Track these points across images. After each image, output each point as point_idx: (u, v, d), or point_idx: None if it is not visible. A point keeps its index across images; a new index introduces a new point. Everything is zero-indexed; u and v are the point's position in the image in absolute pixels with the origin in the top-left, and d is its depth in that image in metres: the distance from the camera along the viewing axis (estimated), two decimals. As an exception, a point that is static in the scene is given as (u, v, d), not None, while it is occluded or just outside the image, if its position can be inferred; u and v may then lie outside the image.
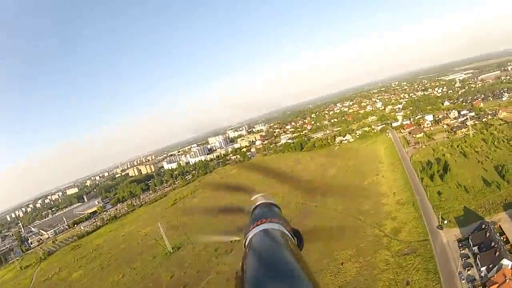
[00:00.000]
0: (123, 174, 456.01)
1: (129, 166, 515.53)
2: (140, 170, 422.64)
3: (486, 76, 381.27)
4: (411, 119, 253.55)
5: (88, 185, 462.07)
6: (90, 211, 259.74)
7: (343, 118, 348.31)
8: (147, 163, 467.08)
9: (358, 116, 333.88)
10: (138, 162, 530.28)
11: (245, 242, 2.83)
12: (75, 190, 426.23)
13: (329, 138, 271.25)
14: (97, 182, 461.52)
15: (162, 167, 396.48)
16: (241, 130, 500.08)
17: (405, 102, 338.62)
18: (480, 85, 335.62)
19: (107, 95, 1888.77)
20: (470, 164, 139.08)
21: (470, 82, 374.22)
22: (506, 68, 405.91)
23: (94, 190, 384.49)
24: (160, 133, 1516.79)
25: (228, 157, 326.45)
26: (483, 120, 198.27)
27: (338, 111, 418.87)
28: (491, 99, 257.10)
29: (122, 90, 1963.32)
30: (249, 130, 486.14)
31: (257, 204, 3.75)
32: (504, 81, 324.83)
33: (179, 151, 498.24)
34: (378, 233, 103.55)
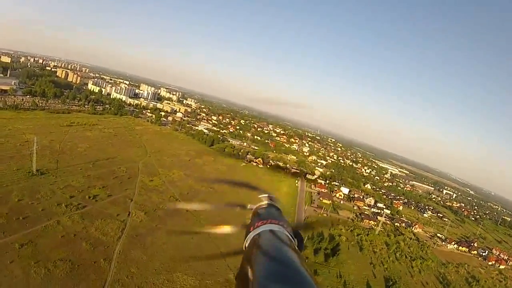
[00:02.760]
0: (52, 69, 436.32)
1: (63, 66, 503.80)
2: (68, 75, 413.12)
3: (418, 185, 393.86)
4: (327, 181, 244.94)
5: (21, 61, 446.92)
6: (2, 87, 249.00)
7: (266, 141, 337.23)
8: (78, 72, 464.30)
9: (280, 148, 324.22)
10: (73, 67, 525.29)
11: (246, 243, 2.92)
12: (8, 59, 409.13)
13: (242, 150, 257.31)
14: (28, 64, 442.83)
15: (87, 84, 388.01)
16: (173, 94, 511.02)
17: (330, 162, 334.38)
18: (408, 189, 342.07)
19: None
20: (362, 261, 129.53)
21: (400, 181, 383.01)
22: (440, 189, 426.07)
23: (20, 69, 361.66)
24: (114, 54, 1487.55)
25: (144, 112, 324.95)
26: (395, 224, 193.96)
27: (266, 131, 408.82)
28: (413, 208, 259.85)
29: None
30: (180, 99, 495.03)
31: (257, 205, 3.82)
32: (434, 200, 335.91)
33: (111, 79, 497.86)
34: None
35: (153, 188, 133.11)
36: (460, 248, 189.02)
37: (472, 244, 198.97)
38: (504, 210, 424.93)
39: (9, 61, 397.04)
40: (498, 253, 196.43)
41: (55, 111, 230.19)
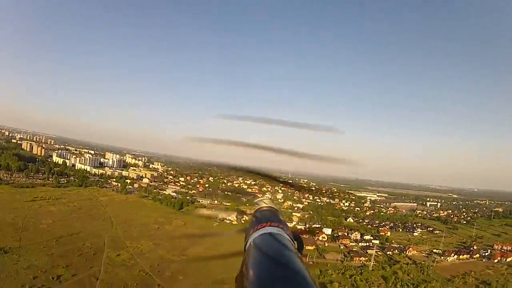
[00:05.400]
0: (18, 142, 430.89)
1: (28, 138, 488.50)
2: (32, 147, 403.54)
3: (400, 205, 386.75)
4: (307, 225, 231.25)
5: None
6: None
7: (238, 195, 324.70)
8: (43, 144, 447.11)
9: (253, 201, 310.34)
10: (38, 139, 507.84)
11: (245, 245, 2.92)
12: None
13: (213, 209, 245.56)
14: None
15: (51, 156, 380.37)
16: (139, 160, 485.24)
17: (307, 204, 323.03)
18: (391, 212, 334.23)
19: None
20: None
21: (381, 206, 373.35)
22: (423, 203, 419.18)
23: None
24: (79, 124, 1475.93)
25: (110, 181, 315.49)
26: (388, 253, 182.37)
27: (236, 184, 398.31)
28: (401, 230, 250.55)
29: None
30: (146, 164, 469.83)
31: (257, 208, 3.83)
32: (420, 215, 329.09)
33: (76, 150, 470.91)
34: None
35: (120, 264, 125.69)
36: (461, 257, 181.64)
37: (471, 248, 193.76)
38: (492, 203, 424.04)
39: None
40: (500, 247, 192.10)
41: (19, 185, 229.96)
